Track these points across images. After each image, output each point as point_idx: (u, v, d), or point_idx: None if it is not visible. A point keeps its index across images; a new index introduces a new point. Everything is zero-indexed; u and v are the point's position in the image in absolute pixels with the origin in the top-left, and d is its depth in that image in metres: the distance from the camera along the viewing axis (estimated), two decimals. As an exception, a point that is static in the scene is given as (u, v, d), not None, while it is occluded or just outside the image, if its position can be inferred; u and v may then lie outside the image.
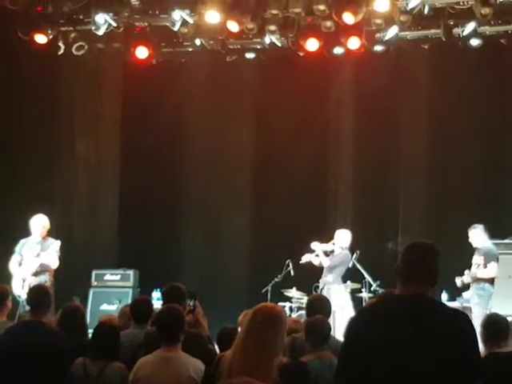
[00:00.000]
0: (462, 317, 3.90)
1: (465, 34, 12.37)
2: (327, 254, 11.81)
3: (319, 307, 6.78)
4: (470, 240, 11.47)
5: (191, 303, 6.79)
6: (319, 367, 5.53)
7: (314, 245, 11.83)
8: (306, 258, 11.91)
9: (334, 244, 11.87)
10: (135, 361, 5.66)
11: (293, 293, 12.24)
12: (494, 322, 5.74)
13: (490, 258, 11.30)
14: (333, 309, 10.51)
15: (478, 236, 11.49)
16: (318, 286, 12.07)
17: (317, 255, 11.85)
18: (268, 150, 14.63)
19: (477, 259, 11.42)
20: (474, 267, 11.37)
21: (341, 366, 4.03)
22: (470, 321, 3.88)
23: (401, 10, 11.88)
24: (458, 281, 11.53)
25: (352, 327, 4.15)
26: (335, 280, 11.66)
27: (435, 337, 3.69)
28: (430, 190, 13.55)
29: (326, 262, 11.69)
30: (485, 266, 11.32)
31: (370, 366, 3.74)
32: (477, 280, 11.34)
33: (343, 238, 11.84)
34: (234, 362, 4.28)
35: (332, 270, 11.67)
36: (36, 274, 10.03)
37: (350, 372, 3.87)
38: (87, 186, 14.43)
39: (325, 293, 11.20)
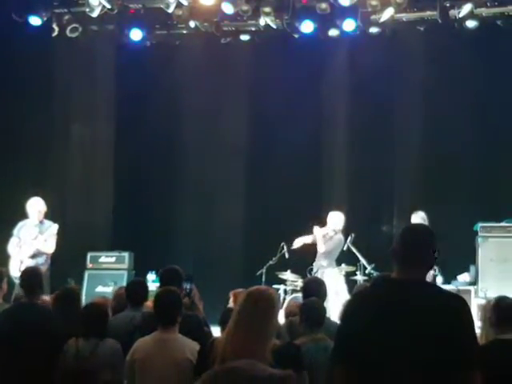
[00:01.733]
0: (459, 301, 3.87)
1: (461, 15, 12.41)
2: (323, 236, 11.82)
3: (315, 290, 6.80)
4: None
5: (188, 286, 6.81)
6: (314, 350, 5.54)
7: (316, 229, 11.82)
8: (297, 243, 11.93)
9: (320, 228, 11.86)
10: (131, 342, 5.70)
11: (287, 275, 12.21)
12: (507, 305, 5.47)
13: None
14: (327, 293, 10.66)
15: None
16: (312, 269, 12.12)
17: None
18: (262, 132, 14.59)
19: None
20: None
21: (337, 348, 4.07)
22: (467, 305, 3.86)
23: (397, -8, 11.92)
24: None
25: (348, 310, 4.19)
26: (329, 264, 11.69)
27: (431, 320, 3.72)
28: (426, 172, 13.54)
29: (321, 248, 11.71)
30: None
31: (365, 348, 3.77)
32: None
33: (336, 220, 11.82)
34: (228, 345, 4.30)
35: (326, 255, 11.69)
36: (33, 257, 10.09)
37: (346, 354, 3.91)
38: (82, 169, 14.42)
39: (319, 276, 11.26)
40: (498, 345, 5.21)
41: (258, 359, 3.91)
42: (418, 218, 11.49)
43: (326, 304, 6.79)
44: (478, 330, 6.72)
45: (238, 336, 4.26)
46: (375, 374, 3.74)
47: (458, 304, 3.85)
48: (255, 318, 4.29)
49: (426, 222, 11.23)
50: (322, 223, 11.87)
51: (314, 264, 11.83)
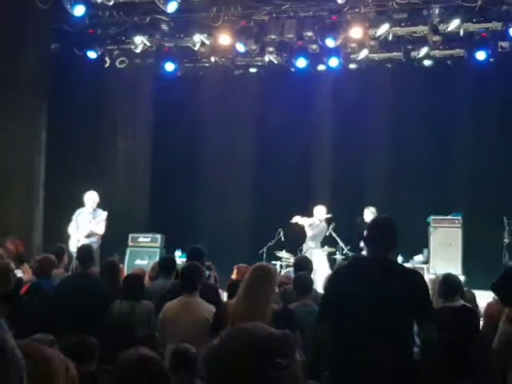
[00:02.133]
0: (417, 274, 4.05)
1: (419, 56, 12.37)
2: (310, 225, 11.80)
3: (304, 265, 6.80)
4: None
5: (207, 273, 6.77)
6: (303, 312, 5.54)
7: (295, 218, 11.78)
8: (294, 219, 11.88)
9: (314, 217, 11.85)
10: (163, 304, 5.70)
11: (282, 254, 12.25)
12: (451, 280, 5.67)
13: None
14: (314, 268, 10.63)
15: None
16: (302, 250, 12.10)
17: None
18: (266, 145, 14.59)
19: None
20: None
21: (321, 311, 4.07)
22: (423, 277, 4.06)
23: (370, 37, 11.87)
24: None
25: (331, 281, 4.20)
26: (316, 246, 11.66)
27: (397, 286, 3.75)
28: (391, 176, 13.57)
29: (309, 233, 11.65)
30: None
31: (345, 309, 3.78)
32: None
33: (320, 212, 11.78)
34: (238, 308, 4.28)
35: (313, 239, 11.66)
36: (88, 236, 10.07)
37: (328, 314, 3.92)
38: (125, 171, 14.39)
39: (307, 256, 11.24)
40: (445, 311, 5.25)
41: (261, 320, 3.90)
42: (369, 212, 11.54)
43: (313, 277, 6.77)
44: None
45: (246, 301, 4.25)
46: (350, 327, 3.75)
47: (417, 276, 4.00)
48: (259, 287, 4.27)
49: (375, 214, 11.32)
50: (309, 214, 11.84)
51: (303, 246, 11.79)
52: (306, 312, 5.49)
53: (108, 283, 6.41)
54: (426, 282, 4.05)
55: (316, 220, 11.72)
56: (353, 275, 3.95)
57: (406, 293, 3.74)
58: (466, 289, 6.28)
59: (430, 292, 5.74)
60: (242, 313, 4.20)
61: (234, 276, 7.39)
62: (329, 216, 11.73)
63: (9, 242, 8.91)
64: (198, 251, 6.86)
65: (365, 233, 4.17)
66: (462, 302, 5.52)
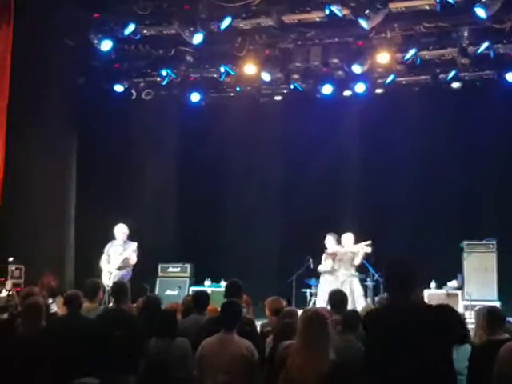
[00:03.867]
0: (443, 313, 3.85)
1: (448, 79, 12.27)
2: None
3: (344, 301, 6.59)
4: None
5: (244, 310, 6.65)
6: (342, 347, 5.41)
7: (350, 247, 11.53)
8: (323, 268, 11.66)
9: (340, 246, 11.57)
10: (198, 340, 5.61)
11: (312, 282, 12.11)
12: (497, 313, 5.57)
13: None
14: (356, 295, 10.42)
15: (329, 242, 11.51)
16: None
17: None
18: (292, 172, 14.53)
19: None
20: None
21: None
22: (449, 307, 3.91)
23: (398, 62, 11.81)
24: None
25: (370, 326, 4.10)
26: (356, 273, 11.43)
27: (420, 336, 3.65)
28: (422, 200, 13.36)
29: (357, 262, 11.32)
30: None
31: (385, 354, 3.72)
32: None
33: (349, 239, 11.47)
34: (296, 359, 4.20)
35: (356, 267, 11.44)
36: (119, 269, 10.06)
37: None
38: (153, 200, 14.42)
39: (348, 284, 11.09)
40: (493, 344, 5.13)
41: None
42: (331, 238, 11.49)
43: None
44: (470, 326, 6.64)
45: (307, 348, 4.17)
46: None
47: (445, 313, 3.83)
48: (317, 336, 4.20)
49: (334, 241, 11.35)
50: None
51: (339, 274, 11.43)
52: (347, 347, 5.37)
53: (140, 319, 6.34)
54: (454, 315, 3.92)
55: (359, 248, 11.45)
56: (383, 323, 3.85)
57: (434, 339, 3.62)
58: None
59: (473, 325, 5.64)
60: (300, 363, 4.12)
61: (267, 313, 7.24)
62: (368, 243, 11.46)
63: (44, 278, 8.93)
64: (236, 285, 6.78)
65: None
66: (507, 335, 5.41)
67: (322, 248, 11.71)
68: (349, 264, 11.37)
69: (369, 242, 11.32)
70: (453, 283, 11.74)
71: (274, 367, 4.33)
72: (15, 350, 5.72)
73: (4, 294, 8.98)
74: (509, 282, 11.34)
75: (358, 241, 11.43)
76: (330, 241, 11.52)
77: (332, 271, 11.45)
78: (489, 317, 5.47)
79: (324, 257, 11.58)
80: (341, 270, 11.41)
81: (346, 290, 10.81)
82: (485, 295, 11.19)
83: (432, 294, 11.32)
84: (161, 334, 5.74)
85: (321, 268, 11.59)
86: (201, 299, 6.92)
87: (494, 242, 11.64)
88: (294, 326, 4.99)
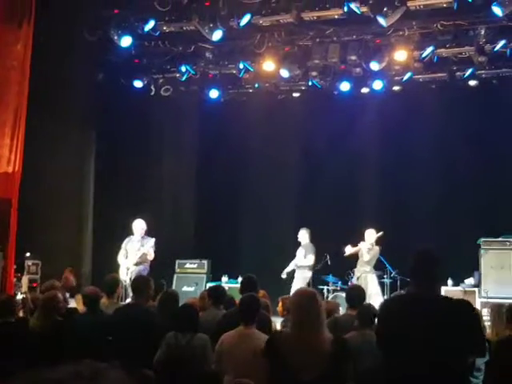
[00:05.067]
0: (464, 305, 3.83)
1: (465, 76, 12.20)
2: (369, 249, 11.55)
3: (362, 296, 6.61)
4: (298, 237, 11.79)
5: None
6: (360, 341, 5.40)
7: (348, 249, 11.63)
8: (348, 251, 11.68)
9: (363, 242, 11.62)
10: (215, 334, 5.61)
11: (329, 278, 12.11)
12: None
13: (308, 251, 11.64)
14: (369, 293, 10.41)
15: (303, 235, 11.76)
16: (349, 274, 11.93)
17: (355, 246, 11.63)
18: (310, 169, 14.51)
19: (300, 252, 11.73)
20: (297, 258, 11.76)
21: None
22: (472, 306, 3.87)
23: (415, 59, 11.76)
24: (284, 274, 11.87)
25: (383, 315, 4.11)
26: (370, 270, 11.41)
27: (441, 321, 3.64)
28: (439, 197, 13.27)
29: (365, 257, 11.37)
30: (305, 257, 11.63)
31: (395, 351, 3.70)
32: (299, 267, 11.65)
33: (371, 235, 11.55)
34: (295, 336, 4.16)
35: (369, 263, 11.39)
36: (137, 264, 10.05)
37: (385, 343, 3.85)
38: (171, 198, 14.48)
39: (362, 280, 11.10)
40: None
41: (319, 347, 3.85)
42: (304, 232, 11.83)
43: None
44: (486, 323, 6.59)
45: (300, 326, 4.13)
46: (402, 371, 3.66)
47: (464, 307, 3.79)
48: (311, 308, 4.14)
49: (307, 235, 11.64)
50: (359, 239, 11.64)
51: (355, 270, 11.58)
52: (365, 341, 5.36)
53: (164, 314, 6.35)
54: (474, 313, 3.89)
55: (369, 244, 11.49)
56: (401, 311, 3.84)
57: (449, 328, 3.60)
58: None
59: (489, 322, 5.61)
60: (299, 341, 4.08)
61: (279, 309, 7.26)
62: (380, 234, 11.45)
63: (66, 273, 8.97)
64: (252, 280, 6.78)
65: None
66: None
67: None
68: (361, 260, 11.46)
69: (380, 233, 11.40)
70: (470, 280, 11.67)
71: (269, 354, 4.28)
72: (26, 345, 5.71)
73: (19, 296, 9.04)
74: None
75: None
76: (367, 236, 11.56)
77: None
78: (509, 313, 5.45)
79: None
80: (357, 266, 11.51)
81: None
82: (502, 292, 11.10)
83: (449, 291, 11.26)
84: (182, 328, 5.74)
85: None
86: (217, 293, 6.95)
87: (511, 240, 11.57)
88: None
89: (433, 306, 3.72)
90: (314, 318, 4.05)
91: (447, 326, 3.61)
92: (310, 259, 11.61)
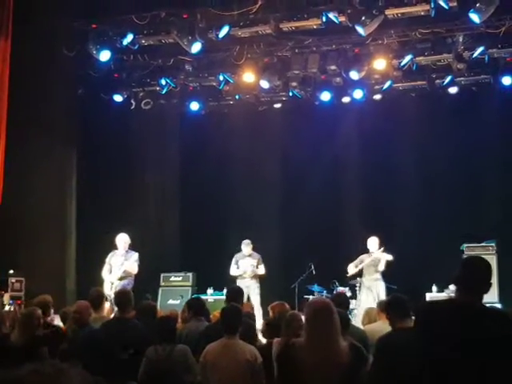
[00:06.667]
0: (506, 320, 3.57)
1: (444, 84, 12.29)
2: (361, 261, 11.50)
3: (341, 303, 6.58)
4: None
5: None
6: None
7: (351, 268, 11.51)
8: (351, 270, 11.54)
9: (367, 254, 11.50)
10: (199, 346, 5.58)
11: (314, 288, 12.08)
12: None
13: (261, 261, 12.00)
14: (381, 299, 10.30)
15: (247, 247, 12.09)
16: (334, 283, 11.88)
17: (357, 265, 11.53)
18: (292, 178, 14.49)
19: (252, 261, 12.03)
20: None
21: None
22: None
23: (394, 68, 11.83)
24: None
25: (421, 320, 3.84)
26: (381, 278, 11.38)
27: (482, 338, 3.42)
28: (420, 206, 13.31)
29: (382, 267, 11.27)
30: (257, 267, 11.95)
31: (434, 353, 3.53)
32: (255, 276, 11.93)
33: (377, 243, 11.45)
34: (310, 346, 4.08)
35: (379, 271, 11.38)
36: (121, 279, 9.99)
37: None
38: (155, 209, 14.42)
39: (374, 288, 11.13)
40: None
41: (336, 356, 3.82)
42: (246, 244, 12.13)
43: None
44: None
45: (317, 339, 4.06)
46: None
47: (505, 320, 3.56)
48: (327, 319, 4.07)
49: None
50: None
51: (363, 279, 11.49)
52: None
53: (144, 327, 6.31)
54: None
55: (381, 252, 11.40)
56: (440, 319, 3.57)
57: (491, 347, 3.39)
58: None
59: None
60: (313, 353, 4.01)
61: (271, 316, 7.22)
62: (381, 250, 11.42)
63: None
64: (237, 291, 6.76)
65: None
66: None
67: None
68: (373, 269, 11.35)
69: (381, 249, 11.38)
70: (453, 286, 11.67)
71: (283, 365, 4.21)
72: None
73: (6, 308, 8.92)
74: (509, 284, 11.28)
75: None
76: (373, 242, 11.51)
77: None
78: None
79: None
80: (365, 276, 11.44)
81: (374, 296, 10.84)
82: (485, 297, 11.12)
83: (433, 297, 11.27)
84: (161, 340, 5.70)
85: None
86: (196, 305, 6.95)
87: (494, 244, 11.66)
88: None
89: (471, 315, 3.51)
90: (330, 328, 4.00)
91: (485, 340, 3.39)
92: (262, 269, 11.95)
